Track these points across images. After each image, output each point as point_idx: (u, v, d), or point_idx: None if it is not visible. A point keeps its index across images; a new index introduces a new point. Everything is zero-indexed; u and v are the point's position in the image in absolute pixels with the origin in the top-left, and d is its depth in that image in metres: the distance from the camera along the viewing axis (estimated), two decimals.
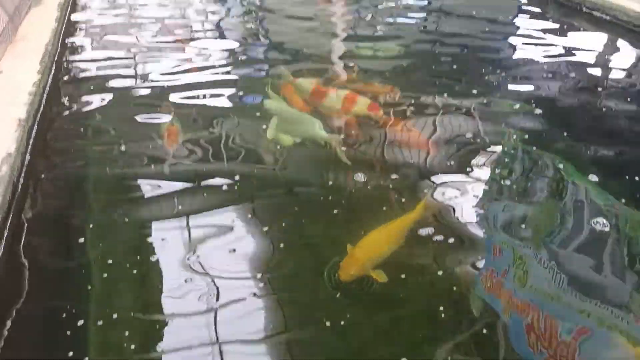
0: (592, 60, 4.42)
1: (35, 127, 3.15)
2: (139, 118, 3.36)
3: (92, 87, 3.74)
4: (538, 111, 3.50)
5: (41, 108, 3.36)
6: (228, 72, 4.09)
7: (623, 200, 2.59)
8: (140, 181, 2.78)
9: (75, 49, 4.37)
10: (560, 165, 2.89)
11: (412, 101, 3.66)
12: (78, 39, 4.58)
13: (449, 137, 3.24)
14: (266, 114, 3.42)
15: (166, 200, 2.64)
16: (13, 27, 4.10)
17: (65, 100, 3.58)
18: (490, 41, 4.85)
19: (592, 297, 2.10)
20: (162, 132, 3.20)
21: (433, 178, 2.85)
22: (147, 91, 3.71)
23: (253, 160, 2.99)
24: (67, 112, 3.46)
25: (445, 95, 3.72)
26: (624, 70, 4.29)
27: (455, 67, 4.20)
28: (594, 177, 2.75)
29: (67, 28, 4.74)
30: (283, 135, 3.27)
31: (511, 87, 3.90)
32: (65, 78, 3.89)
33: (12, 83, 3.41)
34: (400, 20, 5.41)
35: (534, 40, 4.77)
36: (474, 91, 3.76)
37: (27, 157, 2.88)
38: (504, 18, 5.55)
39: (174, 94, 3.67)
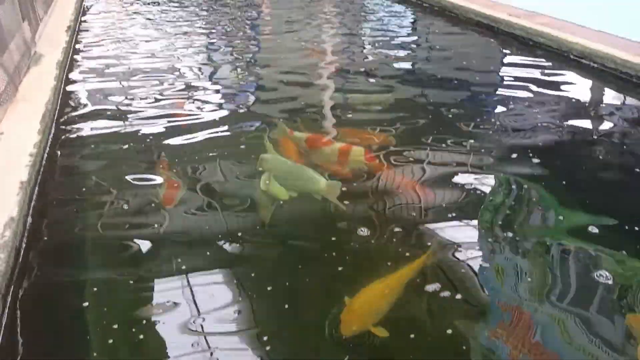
0: (584, 108, 4.53)
1: (37, 188, 3.16)
2: (137, 176, 3.38)
3: (92, 146, 3.76)
4: (535, 160, 3.56)
5: (42, 168, 3.38)
6: (223, 126, 4.14)
7: (624, 252, 2.61)
8: (140, 241, 2.77)
9: (75, 107, 4.42)
10: (561, 217, 2.93)
11: (407, 149, 3.72)
12: (77, 97, 4.63)
13: (446, 186, 3.28)
14: (263, 166, 3.45)
15: (167, 260, 2.63)
16: (13, 87, 4.16)
17: (66, 160, 3.61)
18: (481, 89, 4.96)
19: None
20: (160, 189, 3.22)
21: (432, 227, 2.87)
22: (145, 149, 3.75)
23: (251, 216, 3.00)
24: (67, 172, 3.48)
25: (440, 143, 3.78)
26: (615, 117, 4.38)
27: (449, 115, 4.27)
28: (594, 229, 2.78)
29: (66, 86, 4.80)
30: (280, 189, 3.28)
31: (504, 136, 3.97)
32: (65, 137, 3.92)
33: (13, 145, 3.44)
34: (391, 70, 5.53)
35: (524, 89, 4.87)
36: (470, 140, 3.82)
37: (29, 219, 2.88)
38: (494, 67, 5.70)
39: (170, 150, 3.70)
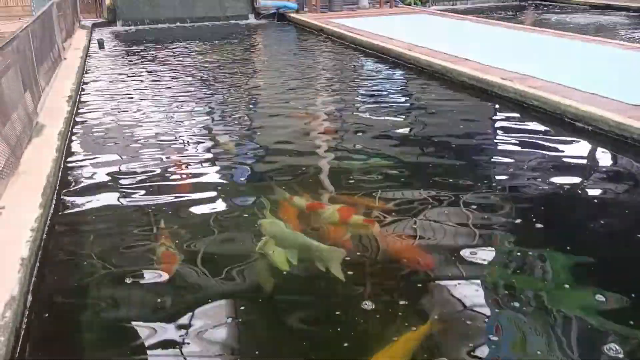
0: (580, 170, 4.57)
1: (37, 264, 3.13)
2: (137, 249, 3.38)
3: (92, 218, 3.76)
4: (536, 224, 3.56)
5: (42, 243, 3.35)
6: (221, 194, 4.15)
7: (631, 322, 2.57)
8: (139, 320, 2.71)
9: (75, 179, 4.43)
10: (566, 286, 2.90)
11: (406, 215, 3.72)
12: (78, 169, 4.65)
13: (445, 251, 3.27)
14: (263, 234, 3.44)
15: (166, 342, 2.57)
16: (15, 160, 4.18)
17: (67, 235, 3.59)
18: (477, 152, 5.01)
19: None
20: (158, 260, 3.20)
21: (435, 294, 2.84)
22: (144, 220, 3.75)
23: (251, 287, 2.97)
24: (68, 247, 3.45)
25: (438, 207, 3.80)
26: (612, 179, 4.42)
27: (446, 180, 4.29)
28: (600, 297, 2.74)
29: (68, 157, 4.82)
30: (281, 257, 3.25)
31: (502, 199, 3.99)
32: (66, 210, 3.91)
33: (14, 219, 3.42)
34: (386, 134, 5.60)
35: (520, 151, 4.94)
36: (469, 204, 3.83)
37: (29, 297, 2.83)
38: (489, 130, 5.78)
39: (169, 221, 3.70)
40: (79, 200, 4.07)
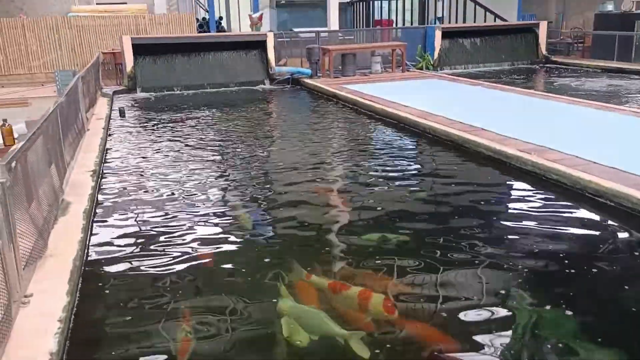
0: (601, 246, 4.54)
1: (65, 357, 3.11)
2: (160, 328, 3.40)
3: (120, 303, 3.76)
4: (554, 293, 3.51)
5: (69, 334, 3.34)
6: (238, 268, 4.19)
7: None
8: None
9: (100, 261, 4.45)
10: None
11: (425, 294, 3.71)
12: (103, 248, 4.68)
13: (468, 333, 3.23)
14: (280, 313, 3.44)
15: None
16: (43, 242, 4.21)
17: (93, 322, 3.58)
18: (495, 225, 5.00)
19: None
20: (176, 345, 3.22)
21: None
22: (164, 298, 3.80)
23: None
24: (94, 335, 3.44)
25: (459, 288, 3.78)
26: (635, 257, 4.38)
27: (466, 253, 4.27)
28: None
29: (92, 236, 4.86)
30: (299, 336, 3.26)
31: (520, 273, 3.95)
32: (92, 295, 3.91)
33: (42, 309, 3.43)
34: (404, 206, 5.61)
35: (540, 226, 4.92)
36: (494, 285, 3.80)
37: None
38: (507, 203, 5.78)
39: (189, 296, 3.81)
40: (103, 283, 4.08)
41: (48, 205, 4.80)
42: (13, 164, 3.58)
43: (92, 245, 4.65)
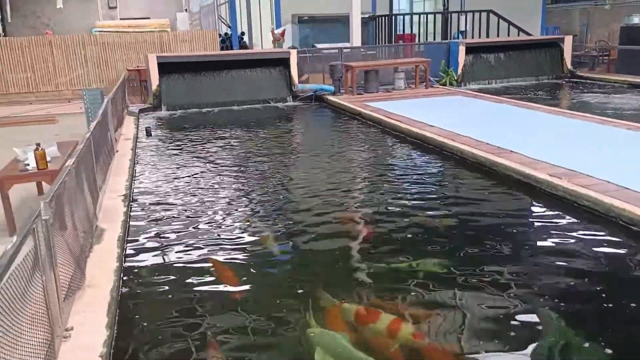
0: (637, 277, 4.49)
1: None
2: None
3: (156, 336, 3.80)
4: (607, 350, 3.46)
5: None
6: (266, 294, 4.27)
7: None
8: None
9: (135, 290, 4.50)
10: None
11: (455, 320, 3.70)
12: (137, 277, 4.73)
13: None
14: (309, 340, 3.46)
15: None
16: (81, 274, 4.27)
17: (132, 357, 3.63)
18: (525, 253, 4.95)
19: None
20: None
21: None
22: (195, 325, 3.86)
23: None
24: None
25: (489, 311, 3.78)
26: None
27: (497, 283, 4.23)
28: None
29: (126, 263, 4.91)
30: None
31: (562, 309, 3.91)
32: (128, 326, 3.95)
33: (83, 343, 3.47)
34: (432, 233, 5.59)
35: (572, 254, 4.87)
36: (525, 315, 3.76)
37: None
38: (538, 230, 5.72)
39: (218, 322, 3.90)
40: (139, 313, 4.13)
41: (84, 233, 4.87)
42: (54, 201, 3.64)
43: (127, 275, 4.70)
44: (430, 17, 20.43)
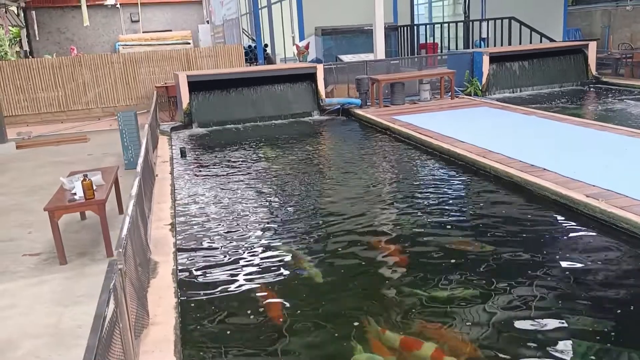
0: None
1: None
2: None
3: None
4: None
5: None
6: (310, 323, 4.48)
7: None
8: None
9: (194, 326, 4.68)
10: None
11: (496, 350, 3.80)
12: (195, 315, 4.90)
13: None
14: None
15: None
16: (145, 312, 4.47)
17: None
18: (573, 282, 5.03)
19: None
20: None
21: None
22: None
23: None
24: None
25: (529, 340, 3.89)
26: None
27: (542, 316, 4.34)
28: None
29: (183, 297, 5.10)
30: None
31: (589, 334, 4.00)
32: None
33: None
34: (470, 257, 5.70)
35: (610, 277, 4.95)
36: (568, 349, 3.87)
37: None
38: (577, 252, 5.78)
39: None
40: (202, 352, 4.32)
41: (141, 268, 5.08)
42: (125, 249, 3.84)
43: (185, 310, 4.89)
44: (452, 26, 20.48)
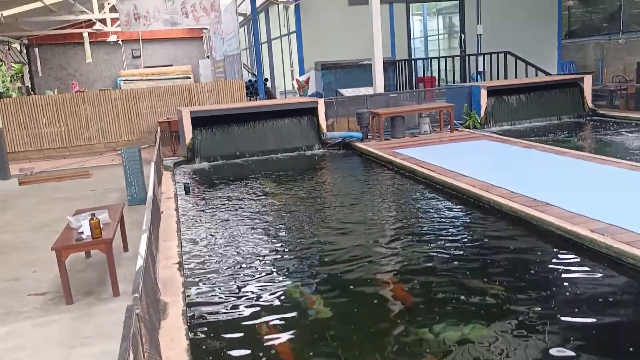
0: None
1: None
2: None
3: None
4: None
5: None
6: None
7: None
8: None
9: None
10: None
11: None
12: (208, 356, 4.90)
13: None
14: None
15: None
16: (158, 354, 4.46)
17: None
18: (569, 313, 5.05)
19: None
20: None
21: None
22: None
23: None
24: None
25: None
26: None
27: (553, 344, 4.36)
28: None
29: (194, 337, 5.09)
30: None
31: None
32: None
33: None
34: (478, 294, 5.70)
35: (617, 314, 4.97)
36: None
37: None
38: (584, 288, 5.80)
39: None
40: None
41: (152, 310, 5.08)
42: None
43: (197, 353, 4.89)
44: (449, 60, 20.83)
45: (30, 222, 9.84)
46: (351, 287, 6.19)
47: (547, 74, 19.71)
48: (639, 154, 11.79)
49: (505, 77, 19.65)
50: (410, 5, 21.05)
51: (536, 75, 19.34)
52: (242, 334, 5.19)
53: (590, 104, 17.17)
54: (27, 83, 30.02)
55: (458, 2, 21.54)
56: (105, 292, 6.47)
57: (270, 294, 6.03)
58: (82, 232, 7.39)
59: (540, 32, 22.16)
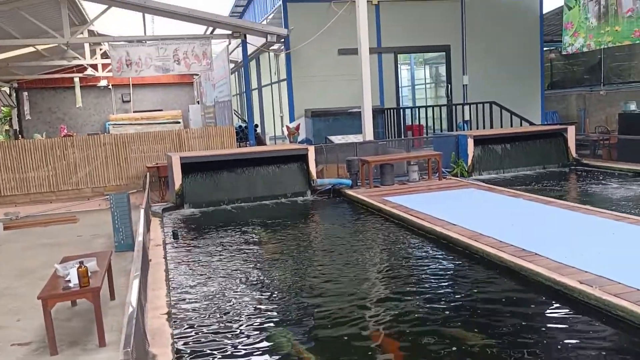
0: None
1: None
2: None
3: None
4: None
5: None
6: None
7: None
8: None
9: None
10: None
11: None
12: None
13: None
14: None
15: None
16: None
17: None
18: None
19: None
20: None
21: None
22: None
23: None
24: None
25: None
26: None
27: None
28: None
29: None
30: None
31: None
32: None
33: None
34: (465, 344, 5.69)
35: None
36: None
37: None
38: (574, 341, 5.77)
39: None
40: None
41: None
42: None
43: None
44: (437, 109, 21.27)
45: (14, 268, 9.69)
46: (340, 335, 6.15)
47: (531, 123, 20.14)
48: (623, 204, 11.97)
49: (491, 127, 20.04)
50: (398, 55, 21.57)
51: (521, 125, 19.75)
52: None
53: (574, 154, 17.51)
54: (15, 126, 30.03)
55: (445, 53, 22.12)
56: (91, 343, 6.35)
57: (260, 345, 5.95)
58: (69, 281, 7.30)
59: (524, 83, 22.78)
